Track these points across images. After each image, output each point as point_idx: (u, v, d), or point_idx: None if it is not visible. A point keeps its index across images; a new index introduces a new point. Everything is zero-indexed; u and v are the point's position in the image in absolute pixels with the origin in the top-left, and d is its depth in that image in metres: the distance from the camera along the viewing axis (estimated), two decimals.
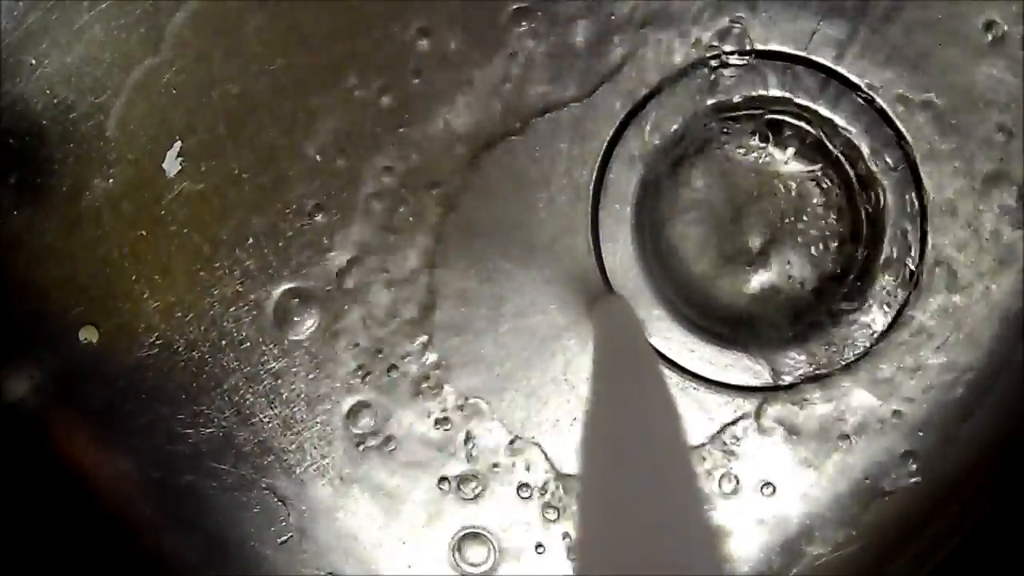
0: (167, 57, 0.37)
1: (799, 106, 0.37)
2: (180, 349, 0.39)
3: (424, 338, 0.38)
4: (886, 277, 0.37)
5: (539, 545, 0.39)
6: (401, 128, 0.37)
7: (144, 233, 0.38)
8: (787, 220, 0.38)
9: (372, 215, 0.38)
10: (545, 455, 0.39)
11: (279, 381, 0.39)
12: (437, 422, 0.39)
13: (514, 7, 0.37)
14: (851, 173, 0.37)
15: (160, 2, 0.37)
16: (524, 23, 0.37)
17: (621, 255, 0.38)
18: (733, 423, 0.38)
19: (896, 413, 0.38)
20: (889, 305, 0.37)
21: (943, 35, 0.36)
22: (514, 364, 0.39)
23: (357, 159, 0.38)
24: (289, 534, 0.40)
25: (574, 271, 0.38)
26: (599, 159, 0.37)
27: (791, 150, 0.38)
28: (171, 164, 0.37)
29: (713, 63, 0.36)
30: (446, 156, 0.38)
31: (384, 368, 0.39)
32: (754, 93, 0.37)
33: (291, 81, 0.37)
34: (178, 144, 0.37)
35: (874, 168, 0.37)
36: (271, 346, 0.39)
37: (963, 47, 0.36)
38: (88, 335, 0.38)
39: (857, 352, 0.38)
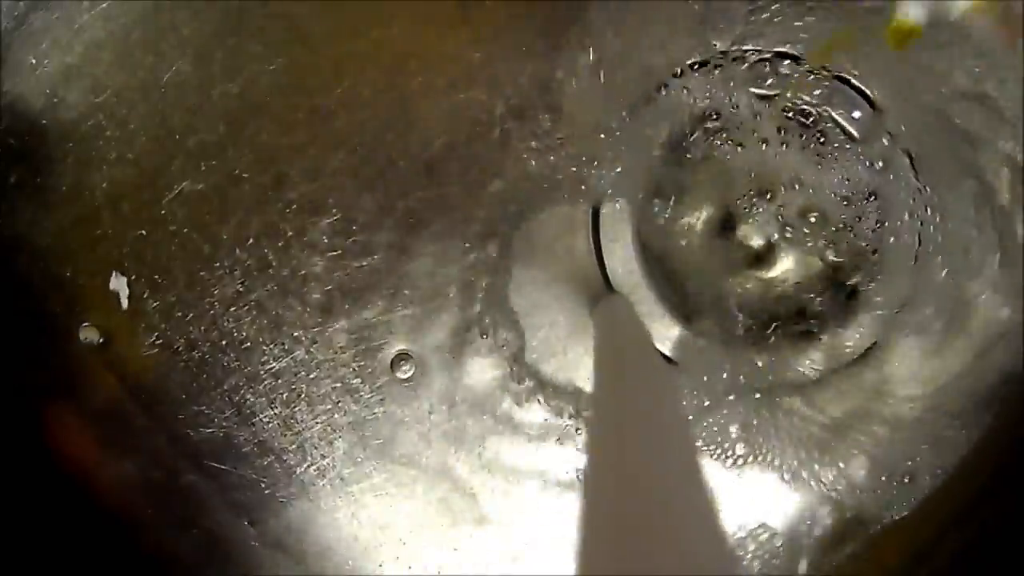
0: (167, 57, 0.37)
1: (802, 107, 0.37)
2: (180, 349, 0.39)
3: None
4: (886, 282, 0.37)
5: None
6: (401, 126, 0.37)
7: (144, 233, 0.38)
8: (789, 223, 0.38)
9: (371, 213, 0.38)
10: None
11: (279, 381, 0.39)
12: (434, 425, 0.39)
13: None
14: (854, 174, 0.37)
15: (160, 2, 0.37)
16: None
17: (621, 255, 0.38)
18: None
19: (897, 414, 0.38)
20: (885, 310, 0.38)
21: None
22: None
23: (357, 158, 0.38)
24: (289, 535, 0.40)
25: (574, 271, 0.38)
26: (599, 159, 0.37)
27: (794, 151, 0.38)
28: (118, 284, 0.37)
29: (715, 63, 0.37)
30: (446, 155, 0.38)
31: (383, 368, 0.39)
32: (756, 93, 0.37)
33: (291, 81, 0.37)
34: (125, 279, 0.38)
35: (877, 169, 0.37)
36: (271, 346, 0.39)
37: None
38: (88, 335, 0.38)
39: (858, 353, 0.38)
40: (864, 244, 0.38)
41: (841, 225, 0.38)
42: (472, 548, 0.40)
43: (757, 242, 0.38)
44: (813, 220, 0.38)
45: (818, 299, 0.38)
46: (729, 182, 0.38)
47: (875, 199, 0.37)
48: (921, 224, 0.37)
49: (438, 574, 0.40)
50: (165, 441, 0.39)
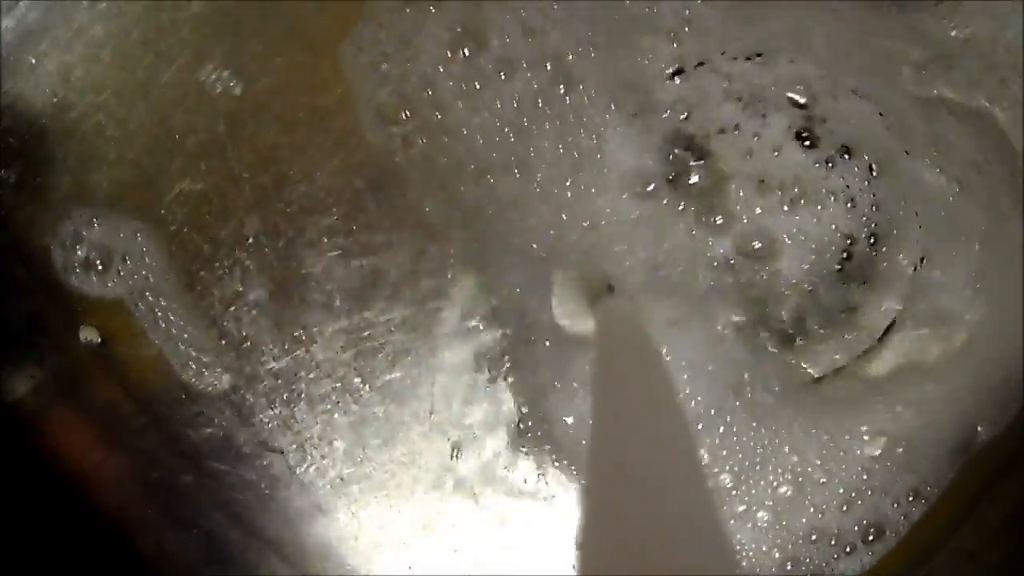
0: (167, 57, 0.37)
1: (809, 109, 0.37)
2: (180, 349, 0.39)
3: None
4: (884, 286, 0.37)
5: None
6: (401, 125, 0.37)
7: (144, 233, 0.38)
8: (793, 223, 0.38)
9: (371, 213, 0.38)
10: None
11: (279, 381, 0.39)
12: (434, 425, 0.39)
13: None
14: (858, 176, 0.37)
15: (161, 1, 0.37)
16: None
17: (621, 256, 0.38)
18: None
19: (894, 416, 0.38)
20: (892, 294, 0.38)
21: None
22: None
23: (356, 158, 0.38)
24: (289, 534, 0.40)
25: (575, 272, 0.38)
26: (600, 159, 0.37)
27: (801, 152, 0.38)
28: None
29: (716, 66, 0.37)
30: (448, 155, 0.38)
31: (383, 368, 0.39)
32: (756, 98, 0.37)
33: (291, 81, 0.37)
34: None
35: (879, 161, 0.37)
36: (271, 346, 0.38)
37: None
38: (88, 335, 0.38)
39: (856, 356, 0.38)
40: (864, 249, 0.38)
41: (846, 230, 0.38)
42: (472, 548, 0.40)
43: (761, 245, 0.38)
44: (820, 223, 0.38)
45: (818, 301, 0.38)
46: (732, 182, 0.38)
47: (876, 208, 0.37)
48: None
49: (438, 574, 0.40)
50: (165, 441, 0.39)
